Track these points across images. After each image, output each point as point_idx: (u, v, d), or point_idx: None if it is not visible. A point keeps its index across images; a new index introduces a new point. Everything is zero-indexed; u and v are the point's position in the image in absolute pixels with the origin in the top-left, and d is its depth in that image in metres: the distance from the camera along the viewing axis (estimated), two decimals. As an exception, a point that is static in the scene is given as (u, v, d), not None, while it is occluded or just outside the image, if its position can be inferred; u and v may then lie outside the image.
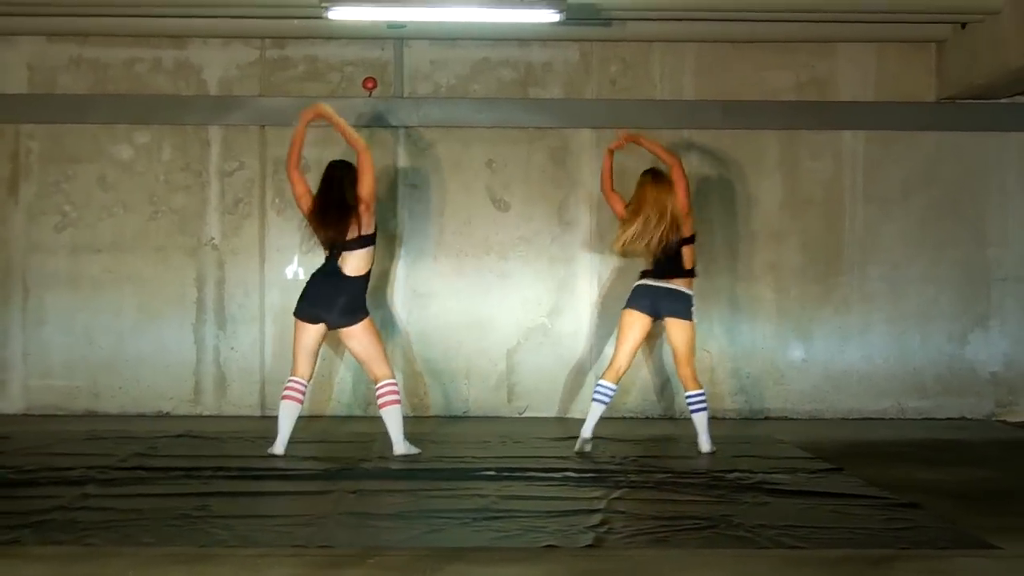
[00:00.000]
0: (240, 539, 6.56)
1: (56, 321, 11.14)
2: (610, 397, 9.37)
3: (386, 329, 11.03)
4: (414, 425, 10.08)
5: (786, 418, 11.22)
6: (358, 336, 9.06)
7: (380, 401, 9.10)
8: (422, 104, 11.16)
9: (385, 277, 11.09)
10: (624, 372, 9.47)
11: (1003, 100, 11.18)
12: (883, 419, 11.25)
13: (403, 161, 11.17)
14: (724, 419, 10.99)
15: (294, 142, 9.19)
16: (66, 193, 11.13)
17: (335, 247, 8.99)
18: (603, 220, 11.02)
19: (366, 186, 9.00)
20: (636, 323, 9.36)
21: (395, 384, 9.16)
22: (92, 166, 11.14)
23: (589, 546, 6.48)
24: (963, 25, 10.57)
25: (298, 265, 11.06)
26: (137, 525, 6.83)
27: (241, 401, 11.16)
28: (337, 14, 9.16)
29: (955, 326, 11.38)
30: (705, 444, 9.34)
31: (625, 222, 9.31)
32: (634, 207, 9.30)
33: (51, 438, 9.76)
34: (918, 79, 11.31)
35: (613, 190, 9.60)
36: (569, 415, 11.12)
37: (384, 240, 10.96)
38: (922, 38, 11.10)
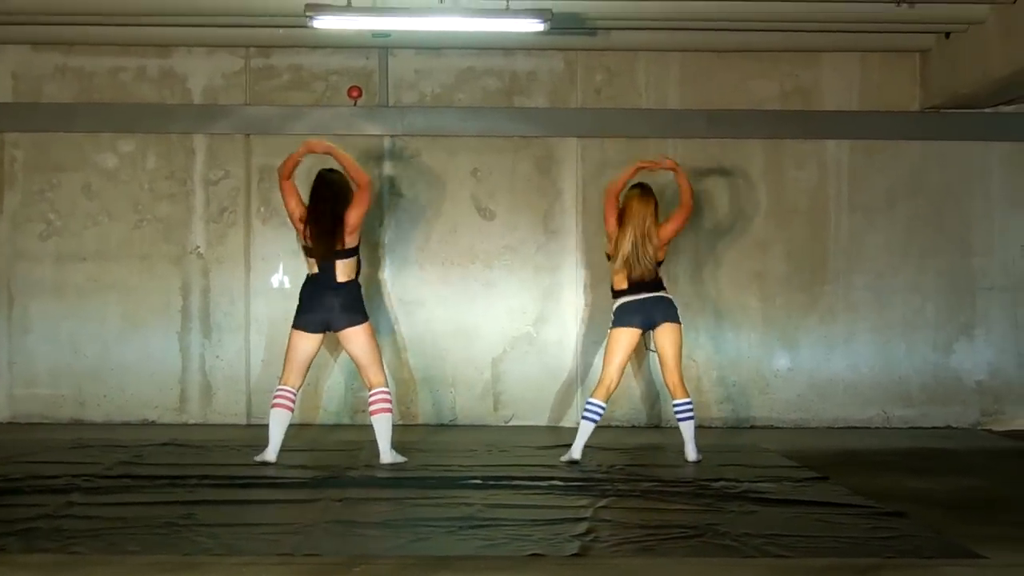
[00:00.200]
0: (226, 547, 6.54)
1: (41, 329, 11.11)
2: (600, 415, 9.35)
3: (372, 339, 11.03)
4: (401, 433, 10.06)
5: (772, 427, 11.23)
6: (359, 339, 9.09)
7: (372, 408, 9.11)
8: (407, 113, 11.17)
9: (371, 285, 11.08)
10: (614, 389, 9.46)
11: (987, 109, 11.22)
12: (869, 428, 11.27)
13: (388, 170, 11.16)
14: (710, 428, 11.00)
15: (288, 164, 9.15)
16: (51, 201, 11.11)
17: (326, 257, 9.02)
18: (588, 229, 11.04)
19: (358, 215, 9.06)
20: (627, 341, 9.35)
21: (388, 393, 9.19)
22: (77, 174, 11.12)
23: (575, 555, 6.47)
24: (947, 35, 10.60)
25: (283, 273, 11.06)
26: (122, 533, 6.81)
27: (227, 410, 11.14)
28: (322, 23, 9.14)
29: (940, 335, 11.40)
30: (692, 453, 9.34)
31: (617, 237, 9.25)
32: (622, 223, 9.26)
33: (36, 446, 9.73)
34: (902, 88, 11.35)
35: (618, 202, 9.48)
36: (555, 424, 11.12)
37: (370, 248, 11.00)
38: (906, 48, 11.14)
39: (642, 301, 9.27)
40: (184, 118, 11.14)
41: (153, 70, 11.16)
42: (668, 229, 9.39)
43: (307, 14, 8.95)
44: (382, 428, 9.09)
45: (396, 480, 8.49)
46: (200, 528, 6.95)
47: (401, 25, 9.60)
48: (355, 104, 10.98)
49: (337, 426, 10.98)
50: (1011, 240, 11.41)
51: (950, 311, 11.40)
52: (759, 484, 8.38)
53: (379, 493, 8.06)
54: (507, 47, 11.10)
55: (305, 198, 9.12)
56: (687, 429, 9.37)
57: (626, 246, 9.20)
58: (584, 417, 9.34)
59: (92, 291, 11.12)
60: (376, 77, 11.20)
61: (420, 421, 11.13)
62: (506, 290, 11.23)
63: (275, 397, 9.10)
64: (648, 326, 9.33)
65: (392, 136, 11.17)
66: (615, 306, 9.36)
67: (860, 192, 11.35)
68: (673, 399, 9.41)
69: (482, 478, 8.49)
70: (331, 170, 9.24)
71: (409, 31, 10.23)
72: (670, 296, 9.40)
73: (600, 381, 9.39)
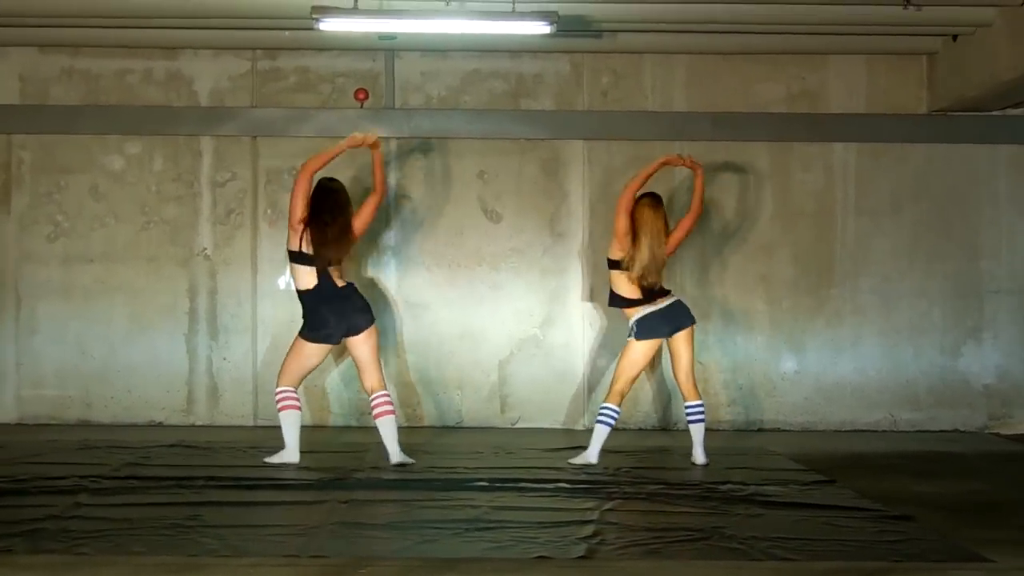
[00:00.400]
0: (232, 549, 6.55)
1: (48, 331, 11.12)
2: (616, 419, 9.34)
3: (379, 339, 11.04)
4: (407, 436, 10.06)
5: (779, 430, 11.22)
6: (371, 339, 9.21)
7: (377, 411, 9.16)
8: (413, 115, 11.17)
9: (377, 287, 11.09)
10: (626, 395, 9.46)
11: (994, 112, 11.21)
12: (876, 431, 11.26)
13: (395, 172, 11.16)
14: (718, 431, 10.98)
15: (323, 159, 9.11)
16: (58, 203, 11.13)
17: (332, 264, 9.12)
18: (595, 231, 11.03)
19: (365, 224, 9.33)
20: (651, 353, 9.35)
21: (389, 395, 9.24)
22: (84, 176, 11.13)
23: (581, 557, 6.47)
24: (954, 38, 10.59)
25: (290, 275, 11.04)
26: (129, 534, 6.82)
27: (233, 411, 11.15)
28: (328, 25, 9.14)
29: (947, 338, 11.38)
30: (700, 456, 9.32)
31: (633, 247, 9.21)
32: (636, 235, 9.21)
33: (43, 447, 9.74)
34: (909, 91, 11.33)
35: (635, 202, 9.34)
36: (562, 426, 11.12)
37: (376, 250, 11.06)
38: (913, 50, 11.13)
39: (664, 311, 9.24)
40: (191, 120, 11.15)
41: (160, 72, 11.18)
42: (676, 236, 9.39)
43: (313, 16, 8.95)
44: (390, 430, 9.13)
45: (402, 482, 8.49)
46: (206, 529, 6.95)
47: (407, 27, 9.61)
48: (361, 106, 10.98)
49: (343, 428, 10.98)
50: (1018, 243, 11.39)
51: (957, 314, 11.39)
52: (766, 487, 8.38)
53: (385, 495, 8.06)
54: (513, 49, 11.10)
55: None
56: (697, 432, 9.36)
57: (644, 254, 9.14)
58: (600, 421, 9.31)
59: (99, 293, 11.13)
60: (382, 79, 11.20)
61: (426, 423, 11.13)
62: (513, 292, 11.23)
63: (283, 399, 9.15)
64: (674, 333, 9.32)
65: (398, 138, 11.18)
66: (636, 317, 9.24)
67: (867, 195, 11.33)
68: (686, 401, 9.40)
69: (488, 480, 8.49)
70: (337, 180, 9.30)
71: (415, 33, 10.24)
72: (682, 298, 9.42)
73: (615, 389, 9.32)
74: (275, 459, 9.15)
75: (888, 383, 11.34)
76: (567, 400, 11.19)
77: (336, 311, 9.05)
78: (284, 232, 10.68)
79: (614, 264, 9.28)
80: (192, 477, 8.47)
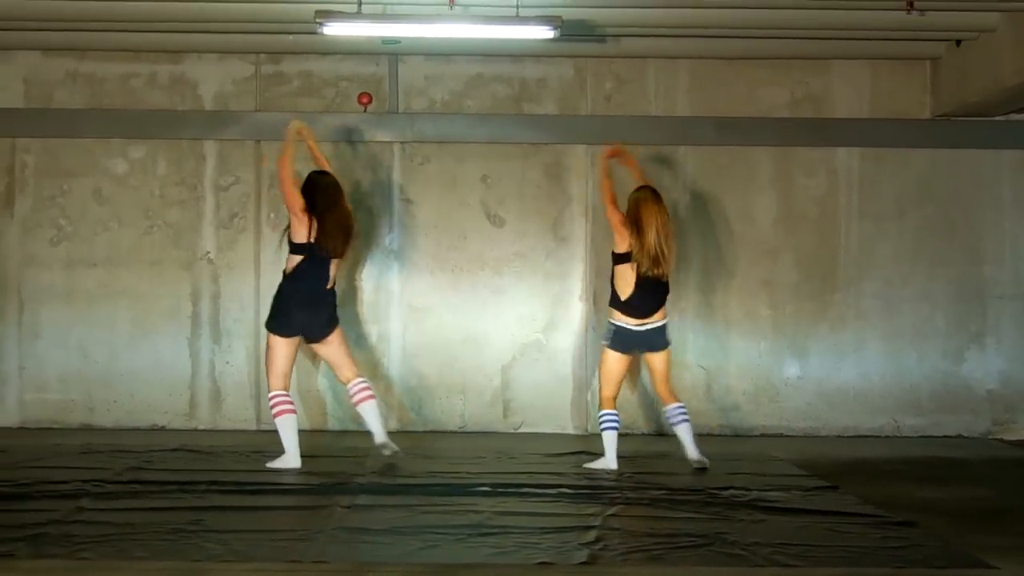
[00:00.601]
0: (234, 554, 6.55)
1: (51, 335, 11.12)
2: (618, 422, 9.39)
3: (382, 343, 11.07)
4: (410, 440, 10.10)
5: (781, 435, 11.21)
6: (335, 342, 9.41)
7: (359, 397, 9.39)
8: (417, 119, 11.17)
9: (380, 292, 11.10)
10: (617, 398, 9.48)
11: (998, 117, 11.20)
12: (879, 437, 11.25)
13: (398, 176, 11.17)
14: (720, 436, 11.00)
15: (288, 153, 9.39)
16: (61, 207, 11.13)
17: (330, 259, 9.21)
18: (598, 236, 11.02)
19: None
20: (624, 362, 9.43)
21: (367, 380, 9.52)
22: (87, 180, 11.14)
23: (584, 563, 6.47)
24: (958, 43, 10.58)
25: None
26: (131, 539, 6.82)
27: (236, 415, 11.15)
28: (332, 30, 9.14)
29: (951, 344, 11.37)
30: (695, 453, 9.34)
31: (639, 245, 9.22)
32: (640, 225, 9.24)
33: (46, 451, 9.75)
34: (912, 96, 11.33)
35: (618, 205, 9.46)
36: (564, 431, 11.12)
37: (380, 254, 11.07)
38: (917, 55, 11.12)
39: (643, 333, 9.32)
40: (195, 124, 11.16)
41: (164, 76, 11.18)
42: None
43: (317, 21, 8.95)
44: (373, 414, 9.39)
45: (404, 487, 8.48)
46: (209, 534, 6.95)
47: (411, 32, 9.60)
48: (365, 110, 10.99)
49: (343, 432, 10.97)
50: (1022, 248, 11.38)
51: (960, 320, 11.37)
52: (768, 493, 8.38)
53: (387, 500, 8.05)
54: (517, 54, 11.10)
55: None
56: (686, 431, 9.42)
57: (651, 243, 9.16)
58: (604, 429, 9.34)
59: (102, 296, 11.13)
60: (386, 84, 11.21)
61: (429, 428, 11.12)
62: (516, 297, 11.23)
63: (277, 404, 9.20)
64: (647, 352, 9.43)
65: (402, 143, 11.18)
66: (617, 323, 9.32)
67: (870, 200, 11.32)
68: (666, 405, 9.50)
69: (491, 485, 8.48)
70: (324, 171, 9.53)
71: (419, 38, 10.23)
72: (665, 322, 9.42)
73: (604, 396, 9.41)
74: (276, 464, 9.15)
75: (891, 388, 11.33)
76: (570, 405, 11.19)
77: (305, 311, 9.22)
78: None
79: (620, 258, 9.29)
80: (194, 481, 8.47)
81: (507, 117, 11.23)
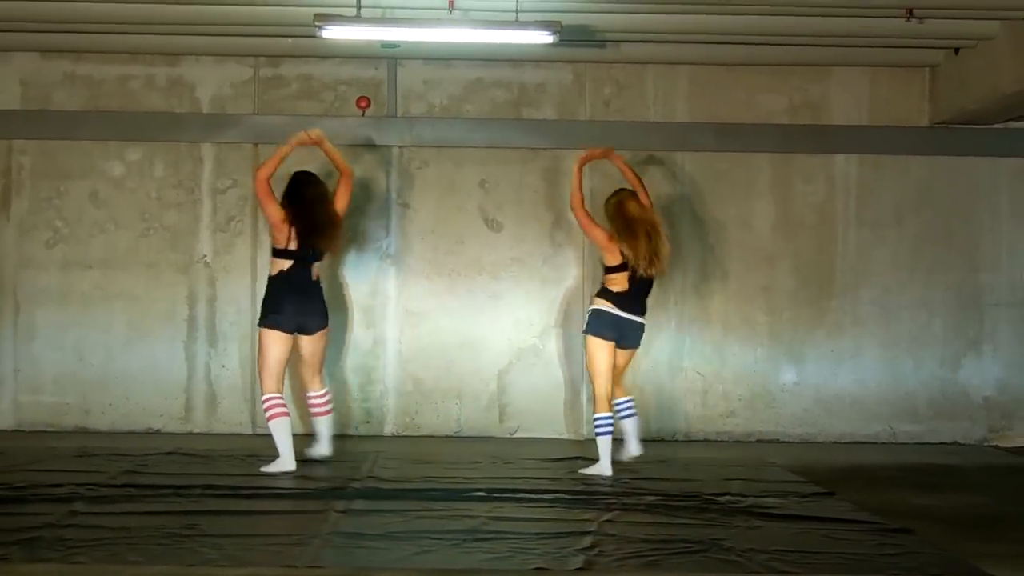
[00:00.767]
0: (229, 558, 6.54)
1: (47, 337, 11.10)
2: (612, 426, 9.37)
3: (378, 347, 11.05)
4: (406, 445, 10.10)
5: (778, 441, 11.20)
6: (321, 340, 9.50)
7: (323, 409, 9.64)
8: (415, 124, 11.16)
9: (377, 295, 11.09)
10: (611, 396, 9.46)
11: (996, 125, 11.20)
12: (875, 443, 11.24)
13: (396, 180, 11.16)
14: (716, 442, 11.00)
15: (275, 161, 9.47)
16: (58, 209, 11.11)
17: (314, 256, 9.30)
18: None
19: (345, 206, 9.64)
20: (608, 351, 9.35)
21: (330, 392, 9.79)
22: (84, 182, 11.12)
23: (579, 569, 6.46)
24: (956, 50, 10.59)
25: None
26: (125, 543, 6.80)
27: (231, 419, 11.13)
28: (331, 33, 9.14)
29: (948, 350, 11.37)
30: (636, 448, 9.59)
31: (632, 251, 9.22)
32: (631, 228, 9.25)
33: (41, 454, 9.73)
34: (911, 104, 11.33)
35: (588, 213, 9.54)
36: (561, 436, 11.10)
37: (377, 258, 11.03)
38: (915, 63, 11.12)
39: (623, 321, 9.32)
40: (192, 127, 11.14)
41: (162, 79, 11.17)
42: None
43: (316, 24, 8.95)
44: (328, 427, 9.68)
45: (400, 492, 8.47)
46: (203, 538, 6.94)
47: (410, 36, 9.59)
48: (363, 114, 10.99)
49: (337, 437, 10.92)
50: (1019, 256, 11.39)
51: (958, 327, 11.37)
52: (764, 499, 8.37)
53: (383, 505, 8.04)
54: (516, 59, 11.09)
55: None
56: (633, 425, 9.67)
57: (642, 244, 9.16)
58: (599, 434, 9.30)
59: (98, 299, 11.11)
60: (385, 88, 11.20)
61: (425, 432, 11.11)
62: (513, 302, 11.21)
63: (271, 407, 9.21)
64: (619, 344, 9.39)
65: (400, 147, 11.17)
66: (596, 307, 9.33)
67: (868, 207, 11.32)
68: (615, 398, 9.53)
69: (487, 490, 8.48)
70: (307, 172, 9.62)
71: (418, 42, 10.22)
72: (645, 321, 9.47)
73: (598, 396, 9.34)
74: (271, 468, 9.13)
75: (888, 395, 11.32)
76: (566, 410, 11.17)
77: (295, 302, 9.25)
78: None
79: (613, 269, 9.30)
80: (189, 485, 8.45)
81: (506, 122, 11.22)
